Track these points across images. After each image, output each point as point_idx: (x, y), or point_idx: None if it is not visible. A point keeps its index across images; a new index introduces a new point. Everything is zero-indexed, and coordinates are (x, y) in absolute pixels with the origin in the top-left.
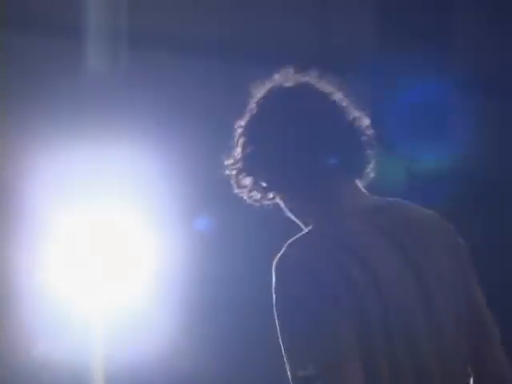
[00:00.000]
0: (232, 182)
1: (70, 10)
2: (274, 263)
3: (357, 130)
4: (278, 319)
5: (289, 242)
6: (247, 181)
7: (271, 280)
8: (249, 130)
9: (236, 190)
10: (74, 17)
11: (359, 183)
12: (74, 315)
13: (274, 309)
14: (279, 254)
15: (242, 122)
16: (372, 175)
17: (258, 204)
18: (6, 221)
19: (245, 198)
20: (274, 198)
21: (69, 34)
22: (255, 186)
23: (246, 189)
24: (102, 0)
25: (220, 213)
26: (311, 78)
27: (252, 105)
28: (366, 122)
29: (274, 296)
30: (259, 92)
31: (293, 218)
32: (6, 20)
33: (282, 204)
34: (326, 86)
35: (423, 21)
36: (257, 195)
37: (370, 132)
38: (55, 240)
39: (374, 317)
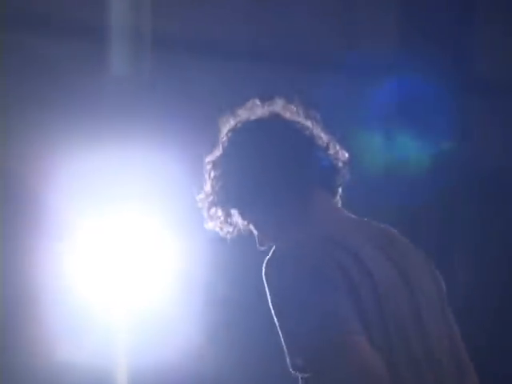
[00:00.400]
0: (204, 215)
1: (93, 11)
2: (271, 259)
3: (327, 155)
4: (282, 307)
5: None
6: (219, 213)
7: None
8: (219, 164)
9: (208, 224)
10: (96, 18)
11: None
12: (97, 318)
13: (275, 299)
14: (273, 253)
15: (211, 158)
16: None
17: (230, 236)
18: (28, 225)
19: (217, 230)
20: (246, 226)
21: (92, 35)
22: (227, 217)
23: (219, 221)
24: (125, 2)
25: None
26: (278, 107)
27: (221, 139)
28: (336, 146)
29: (274, 283)
30: (226, 126)
31: (268, 241)
32: (28, 22)
33: (255, 231)
34: (293, 116)
35: (445, 21)
36: (229, 227)
37: (341, 156)
38: (77, 243)
39: (370, 309)
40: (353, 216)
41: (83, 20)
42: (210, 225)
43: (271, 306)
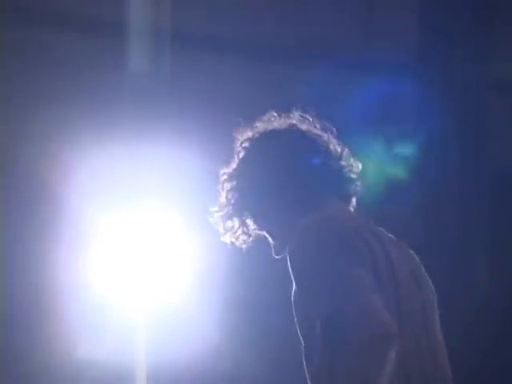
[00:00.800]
0: (218, 227)
1: (111, 6)
2: (311, 223)
3: (341, 166)
4: (310, 268)
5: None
6: (236, 224)
7: None
8: (236, 174)
9: (224, 236)
10: (114, 14)
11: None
12: (116, 315)
13: (304, 260)
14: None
15: (227, 169)
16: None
17: (244, 246)
18: (45, 224)
19: (232, 241)
20: (261, 235)
21: (109, 31)
22: (243, 227)
23: (234, 232)
24: None
25: None
26: (295, 119)
27: (236, 150)
28: (350, 157)
29: (307, 245)
30: (243, 137)
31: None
32: (44, 18)
33: (270, 240)
34: (309, 127)
35: (467, 21)
36: (244, 236)
37: (354, 167)
38: (95, 241)
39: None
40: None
41: (100, 16)
42: (226, 237)
43: (296, 271)
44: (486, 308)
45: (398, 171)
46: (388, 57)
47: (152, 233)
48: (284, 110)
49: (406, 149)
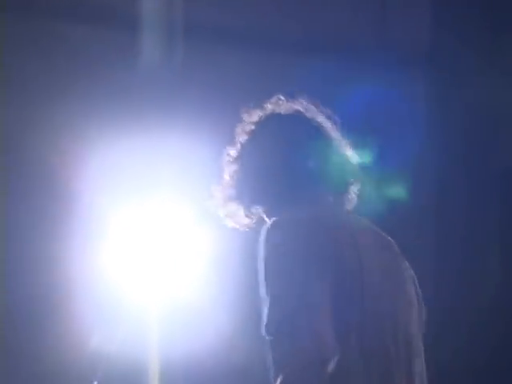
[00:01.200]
0: (218, 209)
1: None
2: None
3: (342, 157)
4: (272, 266)
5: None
6: (234, 206)
7: None
8: (242, 156)
9: (223, 217)
10: (127, 4)
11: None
12: (129, 310)
13: (266, 258)
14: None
15: (233, 151)
16: (357, 199)
17: (243, 229)
18: (59, 217)
19: (231, 224)
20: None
21: (122, 22)
22: (245, 210)
23: (235, 214)
24: None
25: None
26: (302, 105)
27: (245, 130)
28: (351, 150)
29: (270, 241)
30: (251, 118)
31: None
32: (57, 8)
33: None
34: (314, 115)
35: (483, 18)
36: (246, 220)
37: (354, 159)
38: (109, 235)
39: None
40: (359, 217)
41: (113, 6)
42: (228, 221)
43: (262, 266)
44: (497, 308)
45: (407, 168)
46: (400, 53)
47: (164, 226)
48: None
49: (415, 146)
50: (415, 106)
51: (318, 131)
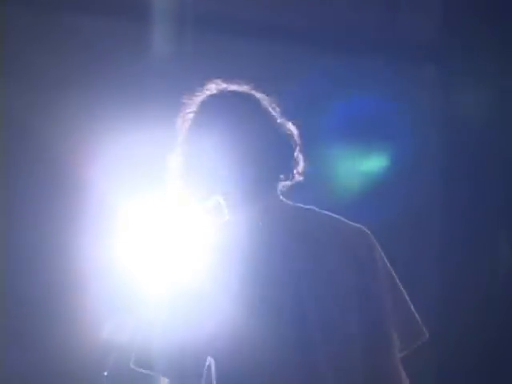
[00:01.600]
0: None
1: None
2: None
3: (286, 136)
4: None
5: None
6: (187, 197)
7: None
8: (188, 144)
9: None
10: (138, 0)
11: (283, 187)
12: (140, 299)
13: None
14: None
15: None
16: (299, 178)
17: (197, 207)
18: (72, 209)
19: (182, 201)
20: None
21: (133, 13)
22: (197, 200)
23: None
24: None
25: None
26: (244, 87)
27: (186, 118)
28: (295, 130)
29: None
30: (190, 105)
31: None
32: (70, 2)
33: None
34: (258, 95)
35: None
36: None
37: (298, 139)
38: (122, 225)
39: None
40: (287, 207)
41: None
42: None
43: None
44: (503, 307)
45: (412, 163)
46: (408, 47)
47: (174, 218)
48: (303, 92)
49: (425, 136)
50: (422, 100)
51: (261, 109)
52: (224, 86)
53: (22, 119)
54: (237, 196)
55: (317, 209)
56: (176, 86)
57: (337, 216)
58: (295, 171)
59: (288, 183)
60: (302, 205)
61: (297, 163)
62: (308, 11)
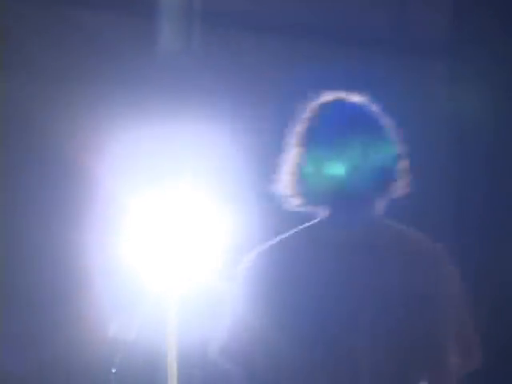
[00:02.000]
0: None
1: None
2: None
3: (395, 154)
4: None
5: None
6: (297, 202)
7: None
8: (303, 153)
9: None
10: None
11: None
12: (148, 297)
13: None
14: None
15: (295, 147)
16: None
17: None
18: (79, 204)
19: (289, 205)
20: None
21: (140, 7)
22: (305, 207)
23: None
24: None
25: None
26: (362, 99)
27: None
28: (401, 148)
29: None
30: (315, 106)
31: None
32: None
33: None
34: (376, 110)
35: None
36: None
37: (403, 157)
38: (130, 221)
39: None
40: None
41: None
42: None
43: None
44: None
45: (425, 160)
46: (419, 42)
47: (183, 213)
48: (312, 88)
49: (435, 134)
50: (434, 95)
51: (378, 123)
52: (341, 94)
53: (24, 113)
54: (342, 205)
55: (410, 229)
56: (179, 80)
57: (416, 233)
58: (398, 185)
59: (389, 197)
60: (393, 223)
61: (399, 177)
62: (317, 8)
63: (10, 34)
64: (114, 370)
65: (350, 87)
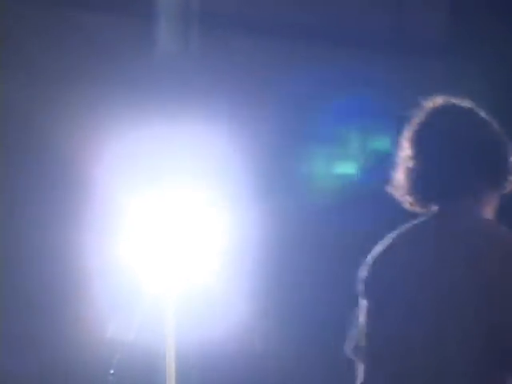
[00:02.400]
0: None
1: None
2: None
3: (506, 157)
4: None
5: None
6: (411, 200)
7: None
8: (417, 155)
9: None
10: None
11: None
12: (146, 298)
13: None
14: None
15: (407, 149)
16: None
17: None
18: (76, 204)
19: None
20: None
21: (138, 8)
22: (420, 205)
23: (412, 205)
24: None
25: (295, 191)
26: (470, 104)
27: (415, 130)
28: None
29: None
30: (426, 109)
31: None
32: (76, 0)
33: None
34: (485, 115)
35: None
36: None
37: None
38: (128, 222)
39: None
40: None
41: None
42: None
43: None
44: None
45: None
46: (416, 42)
47: (180, 214)
48: (313, 89)
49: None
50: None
51: (489, 127)
52: (450, 99)
53: (24, 113)
54: (447, 205)
55: (493, 225)
56: (177, 80)
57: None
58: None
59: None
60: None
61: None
62: (315, 9)
63: (10, 34)
64: (112, 371)
65: (350, 87)
